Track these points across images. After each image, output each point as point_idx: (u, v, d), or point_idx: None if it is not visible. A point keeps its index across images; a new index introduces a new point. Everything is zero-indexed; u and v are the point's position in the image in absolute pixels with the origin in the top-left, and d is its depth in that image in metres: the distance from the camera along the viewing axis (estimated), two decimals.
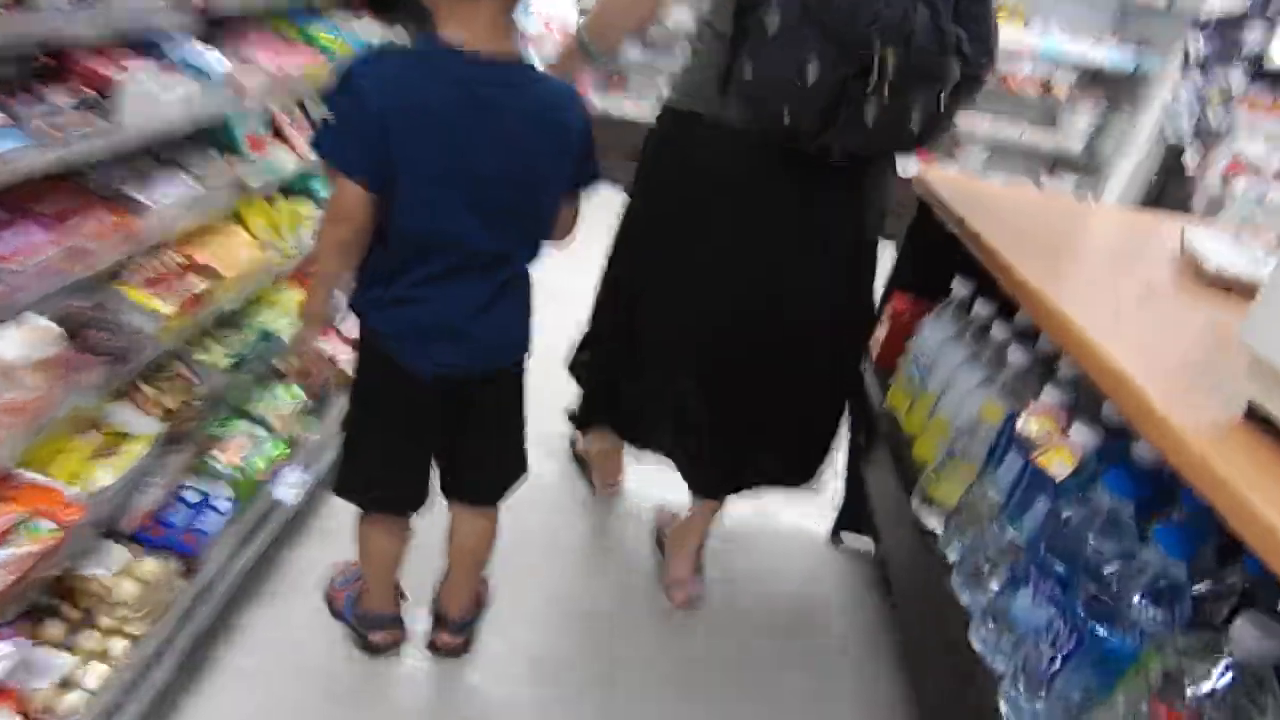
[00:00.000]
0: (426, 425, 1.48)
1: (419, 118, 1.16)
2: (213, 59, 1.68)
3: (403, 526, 1.62)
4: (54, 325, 1.30)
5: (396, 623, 1.75)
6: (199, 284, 1.67)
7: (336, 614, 1.78)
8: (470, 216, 1.25)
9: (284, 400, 1.97)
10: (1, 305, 1.24)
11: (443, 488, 1.61)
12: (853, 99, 1.33)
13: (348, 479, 1.56)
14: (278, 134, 2.17)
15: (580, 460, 2.47)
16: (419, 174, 1.19)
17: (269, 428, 1.90)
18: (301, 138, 2.21)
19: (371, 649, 1.73)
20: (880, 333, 1.99)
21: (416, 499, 1.57)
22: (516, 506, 1.68)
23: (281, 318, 2.03)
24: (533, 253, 1.40)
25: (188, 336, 1.70)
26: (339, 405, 2.21)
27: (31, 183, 1.41)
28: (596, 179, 1.39)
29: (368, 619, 1.72)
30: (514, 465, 1.63)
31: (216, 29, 1.94)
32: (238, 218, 1.97)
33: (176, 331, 1.62)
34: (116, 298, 1.53)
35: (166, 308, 1.57)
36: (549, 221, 1.38)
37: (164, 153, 1.70)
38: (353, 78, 1.17)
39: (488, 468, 1.60)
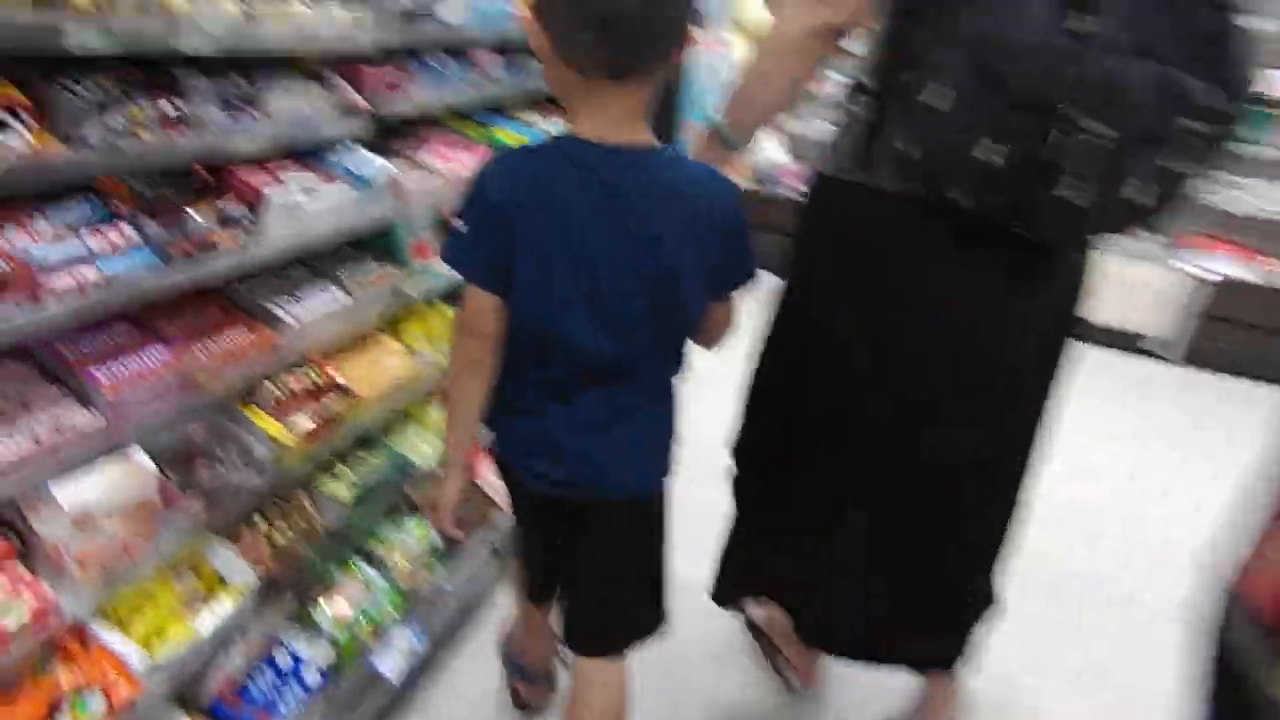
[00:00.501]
0: (542, 534, 1.39)
1: (537, 205, 1.04)
2: (375, 165, 1.55)
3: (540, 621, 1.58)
4: (149, 465, 1.15)
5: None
6: (334, 405, 1.51)
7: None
8: (588, 316, 1.08)
9: (413, 539, 1.77)
10: (103, 438, 1.12)
11: (563, 633, 1.37)
12: (1049, 177, 1.04)
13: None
14: None
15: (758, 633, 1.85)
16: (532, 265, 1.06)
17: (389, 574, 1.68)
18: None
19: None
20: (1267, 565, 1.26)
21: (538, 593, 1.52)
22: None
23: (425, 441, 1.84)
24: (669, 364, 1.20)
25: (314, 463, 1.54)
26: (480, 546, 1.98)
27: (176, 299, 1.32)
28: (751, 278, 1.19)
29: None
30: (637, 612, 1.35)
31: (392, 132, 1.87)
32: (394, 327, 1.84)
33: (300, 459, 1.46)
34: (239, 422, 1.39)
35: (292, 434, 1.41)
36: (688, 327, 1.18)
37: (319, 263, 1.60)
38: (478, 177, 1.08)
39: (602, 609, 1.34)
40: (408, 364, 1.75)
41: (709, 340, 1.23)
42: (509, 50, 2.10)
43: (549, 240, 1.04)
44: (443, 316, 1.93)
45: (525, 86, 2.17)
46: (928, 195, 1.15)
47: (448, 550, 1.90)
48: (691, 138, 1.42)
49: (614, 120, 1.03)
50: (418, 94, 1.73)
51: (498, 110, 2.33)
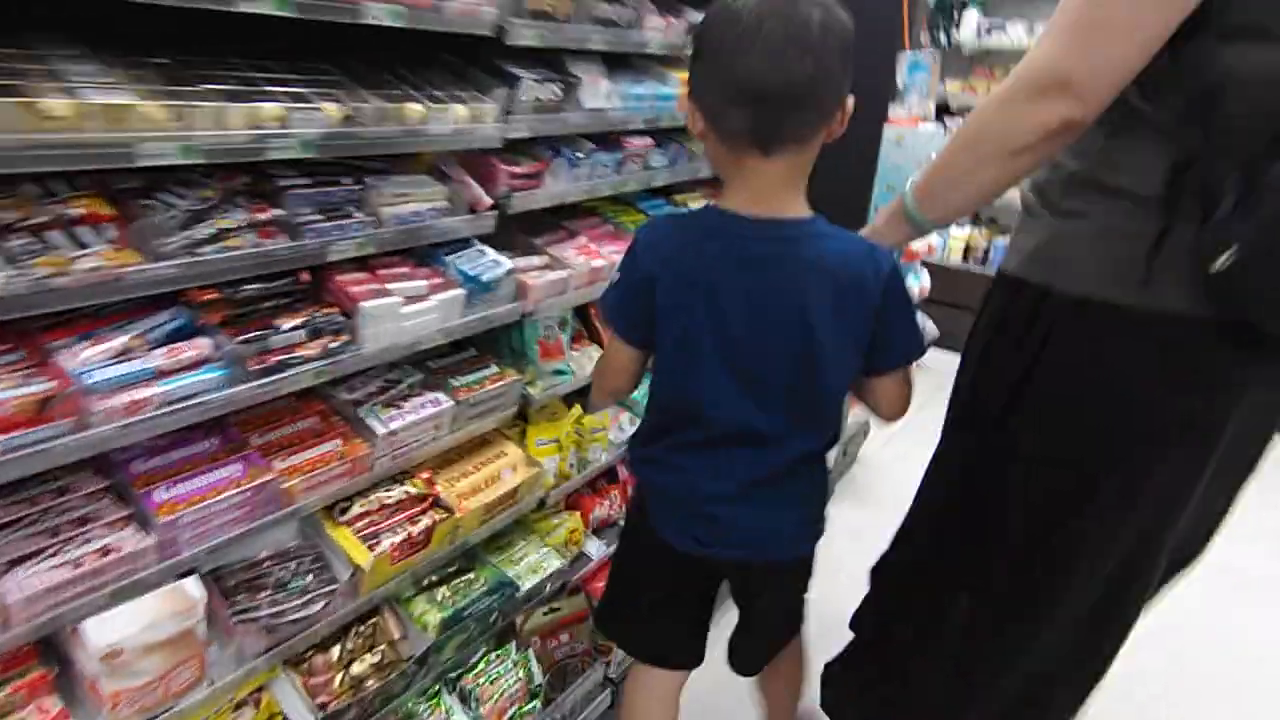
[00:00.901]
0: (678, 590, 1.38)
1: (677, 272, 1.09)
2: (494, 265, 1.44)
3: (666, 688, 1.44)
4: (196, 593, 1.06)
5: None
6: (427, 520, 1.38)
7: None
8: (731, 387, 1.11)
9: (508, 672, 1.58)
10: (154, 562, 1.05)
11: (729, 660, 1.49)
12: None
13: (603, 610, 1.49)
14: (590, 334, 1.91)
15: None
16: (672, 330, 1.12)
17: (478, 713, 1.50)
18: None
19: None
20: None
21: (675, 652, 1.43)
22: None
23: (538, 556, 1.66)
24: (818, 436, 1.19)
25: (405, 583, 1.41)
26: (581, 686, 1.75)
27: (276, 405, 1.27)
28: (916, 354, 1.15)
29: None
30: (789, 636, 1.48)
31: (538, 224, 1.77)
32: (520, 432, 1.71)
33: (382, 580, 1.34)
34: (318, 540, 1.30)
35: (373, 554, 1.29)
36: (831, 401, 1.17)
37: (428, 366, 1.50)
38: (637, 234, 1.16)
39: (766, 649, 1.48)
40: (526, 474, 1.60)
41: (885, 414, 1.20)
42: (664, 133, 1.95)
43: (689, 308, 1.08)
44: (575, 419, 1.76)
45: (685, 170, 2.00)
46: (1234, 318, 0.97)
47: (551, 686, 1.69)
48: (877, 210, 1.26)
49: (763, 192, 1.04)
50: (556, 186, 1.61)
51: (665, 194, 2.19)
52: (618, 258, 1.77)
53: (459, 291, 1.37)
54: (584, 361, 1.79)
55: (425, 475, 1.44)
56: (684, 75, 1.96)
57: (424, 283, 1.33)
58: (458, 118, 1.30)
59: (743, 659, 1.46)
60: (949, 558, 1.34)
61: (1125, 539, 1.14)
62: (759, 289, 1.05)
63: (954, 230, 4.38)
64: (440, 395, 1.42)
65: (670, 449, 1.20)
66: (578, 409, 1.77)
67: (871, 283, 1.05)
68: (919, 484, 1.45)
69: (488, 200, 1.42)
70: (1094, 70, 0.89)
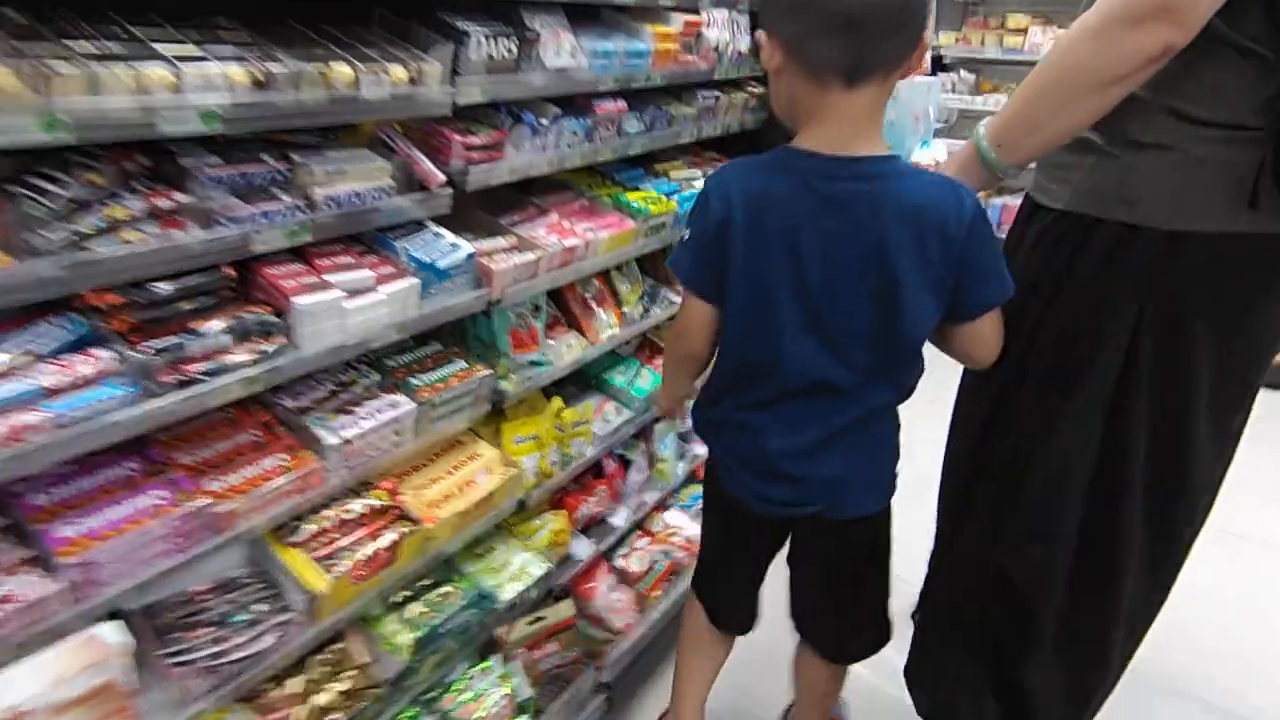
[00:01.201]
0: (746, 552, 1.42)
1: (754, 220, 1.05)
2: (453, 251, 1.28)
3: (713, 644, 1.53)
4: (115, 639, 0.92)
5: None
6: (392, 534, 1.25)
7: None
8: (806, 336, 1.08)
9: (492, 689, 1.45)
10: (62, 608, 0.92)
11: (798, 629, 1.47)
12: None
13: (698, 574, 1.54)
14: (568, 320, 1.76)
15: None
16: (747, 282, 1.08)
17: None
18: (606, 316, 1.78)
19: None
20: None
21: (730, 618, 1.50)
22: None
23: (520, 563, 1.53)
24: (895, 388, 1.16)
25: (371, 602, 1.28)
26: (583, 688, 1.63)
27: (211, 419, 1.13)
28: (1003, 297, 1.09)
29: None
30: (864, 631, 1.41)
31: (505, 201, 1.62)
32: (495, 430, 1.56)
33: (344, 603, 1.21)
34: (267, 566, 1.16)
35: (330, 577, 1.15)
36: (913, 348, 1.11)
37: (383, 364, 1.36)
38: (706, 186, 1.12)
39: (828, 626, 1.43)
40: (502, 477, 1.46)
41: (975, 358, 1.16)
42: (638, 94, 1.78)
43: (764, 253, 1.05)
44: (556, 413, 1.62)
45: (665, 136, 1.84)
46: None
47: (540, 698, 1.56)
48: (951, 159, 1.23)
49: (845, 129, 1.01)
50: (519, 158, 1.45)
51: (644, 163, 2.03)
52: (595, 235, 1.63)
53: (412, 281, 1.22)
54: (562, 350, 1.65)
55: (388, 485, 1.30)
56: (658, 28, 1.81)
57: (370, 273, 1.18)
58: (395, 80, 1.14)
59: (819, 634, 1.44)
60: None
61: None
62: (840, 231, 1.02)
63: None
64: (400, 397, 1.28)
65: (739, 408, 1.19)
66: (557, 401, 1.63)
67: (955, 224, 1.01)
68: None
69: (440, 176, 1.27)
70: None
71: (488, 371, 1.41)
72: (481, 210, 1.59)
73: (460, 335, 1.54)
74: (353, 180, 1.17)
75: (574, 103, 1.60)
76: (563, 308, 1.76)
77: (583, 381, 1.92)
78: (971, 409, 1.40)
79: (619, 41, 1.61)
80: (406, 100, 1.17)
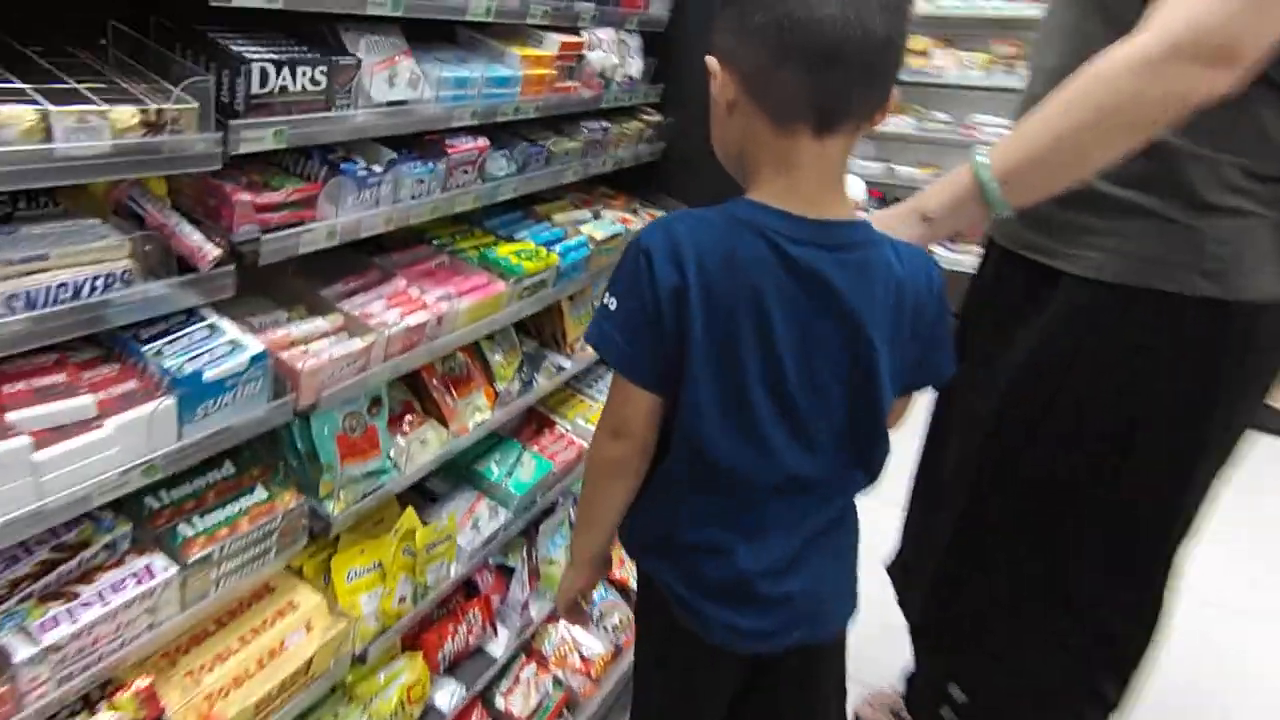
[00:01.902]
0: (716, 704, 1.11)
1: (717, 286, 0.85)
2: (225, 350, 0.94)
3: None
4: None
5: None
6: None
7: None
8: (777, 426, 0.90)
9: None
10: None
11: None
12: None
13: None
14: (424, 406, 1.42)
15: None
16: (715, 364, 0.88)
17: None
18: (474, 398, 1.45)
19: None
20: None
21: None
22: None
23: None
24: (869, 474, 0.99)
25: None
26: None
27: None
28: (948, 376, 1.00)
29: None
30: None
31: (332, 266, 1.27)
32: (322, 565, 1.22)
33: None
34: None
35: None
36: (881, 432, 0.96)
37: (160, 496, 0.99)
38: (639, 244, 0.87)
39: None
40: (325, 634, 1.11)
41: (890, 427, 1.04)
42: (505, 129, 1.48)
43: (731, 333, 0.87)
44: (404, 535, 1.28)
45: (544, 176, 1.53)
46: None
47: None
48: (941, 192, 1.06)
49: (813, 185, 0.86)
50: (342, 215, 1.11)
51: (521, 205, 1.71)
52: (451, 306, 1.31)
53: (162, 404, 0.87)
54: (414, 450, 1.31)
55: (141, 684, 0.93)
56: (527, 51, 1.50)
57: (90, 398, 0.82)
58: (119, 127, 0.79)
59: None
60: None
61: None
62: (814, 305, 0.86)
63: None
64: (157, 559, 0.92)
65: (698, 521, 0.97)
66: (408, 518, 1.29)
67: (929, 298, 0.92)
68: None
69: (212, 251, 0.92)
70: (1260, 35, 0.79)
71: (297, 501, 1.07)
72: (302, 279, 1.24)
73: (271, 443, 1.18)
74: (62, 267, 0.80)
75: (421, 142, 1.28)
76: (417, 391, 1.42)
77: (450, 471, 1.58)
78: (963, 473, 1.35)
79: (477, 67, 1.30)
80: (144, 152, 0.82)
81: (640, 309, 0.87)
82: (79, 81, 0.81)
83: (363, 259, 1.34)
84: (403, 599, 1.25)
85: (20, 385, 0.80)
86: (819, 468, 0.94)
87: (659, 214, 2.11)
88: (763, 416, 0.90)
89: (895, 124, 4.07)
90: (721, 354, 0.87)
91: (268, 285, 1.25)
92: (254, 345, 0.96)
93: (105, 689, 0.92)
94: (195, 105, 0.85)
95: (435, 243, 1.48)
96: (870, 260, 0.88)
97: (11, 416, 0.76)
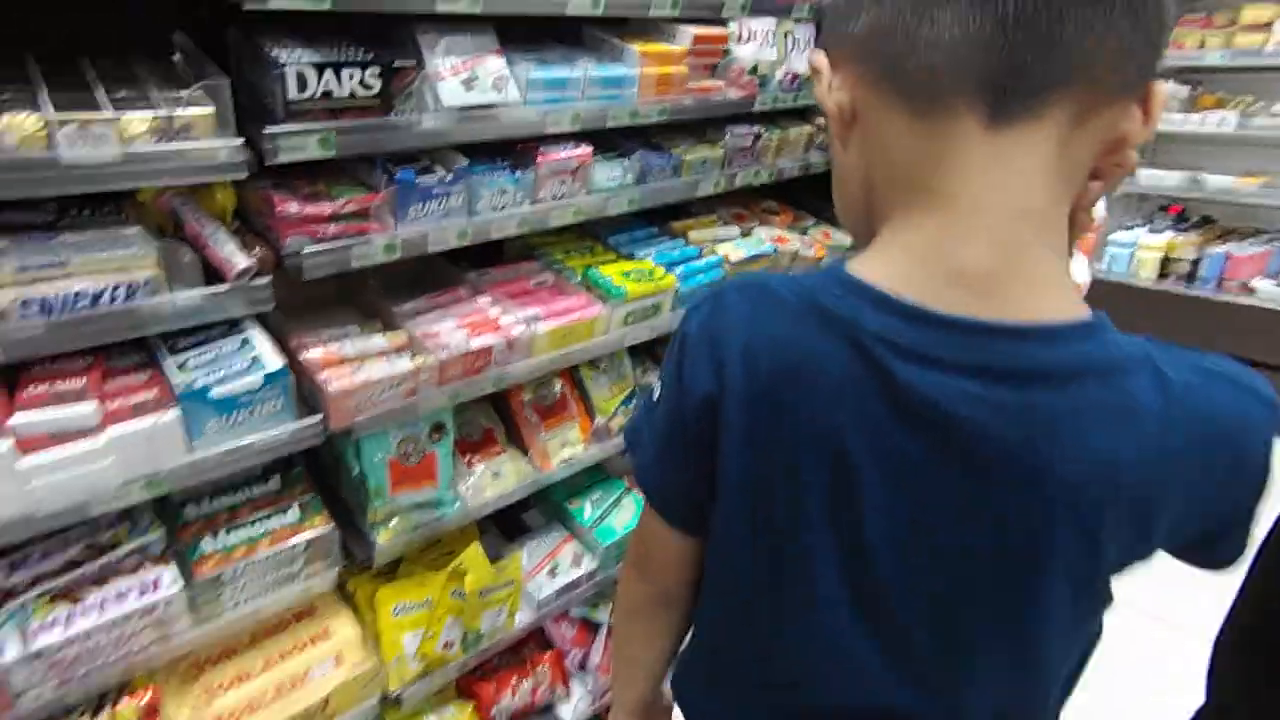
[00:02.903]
0: None
1: (770, 410, 0.53)
2: (245, 366, 0.90)
3: None
4: None
5: None
6: None
7: None
8: (860, 637, 0.55)
9: None
10: None
11: None
12: None
13: None
14: (509, 433, 1.32)
15: None
16: (750, 511, 0.57)
17: None
18: (565, 429, 1.33)
19: None
20: None
21: None
22: None
23: None
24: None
25: None
26: None
27: None
28: (1235, 559, 0.56)
29: None
30: None
31: (426, 277, 1.21)
32: (372, 590, 1.16)
33: None
34: None
35: None
36: (1057, 661, 0.56)
37: (202, 505, 0.99)
38: (684, 329, 0.58)
39: None
40: (353, 671, 1.05)
41: None
42: (618, 134, 1.32)
43: (789, 488, 0.54)
44: (451, 572, 1.18)
45: (673, 187, 1.36)
46: None
47: None
48: None
49: (973, 240, 0.47)
50: (406, 228, 1.04)
51: (657, 218, 1.55)
52: (527, 330, 1.17)
53: (165, 417, 0.84)
54: (483, 482, 1.21)
55: (145, 697, 0.93)
56: (649, 48, 1.33)
57: (91, 407, 0.82)
58: (128, 134, 0.77)
59: None
60: None
61: None
62: (943, 465, 0.49)
63: (1145, 236, 3.29)
64: (167, 572, 0.91)
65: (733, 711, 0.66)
66: (470, 555, 1.19)
67: (1227, 455, 0.49)
68: None
69: (238, 264, 0.88)
70: None
71: (326, 528, 1.01)
72: (381, 293, 1.20)
73: (332, 462, 1.15)
74: (84, 276, 0.81)
75: (513, 150, 1.18)
76: (505, 417, 1.33)
77: (547, 506, 1.47)
78: None
79: (583, 66, 1.17)
80: (156, 161, 0.79)
81: (672, 413, 0.59)
82: (110, 91, 0.81)
83: (455, 271, 1.27)
84: (449, 644, 1.16)
85: (43, 388, 0.82)
86: (921, 702, 0.57)
87: (835, 234, 1.82)
88: (834, 619, 0.56)
89: (1213, 122, 3.21)
90: (769, 512, 0.56)
91: (356, 297, 1.23)
92: (273, 362, 0.91)
93: (119, 693, 0.93)
94: (210, 110, 0.81)
95: (546, 257, 1.37)
96: (1091, 400, 0.47)
97: (15, 419, 0.78)
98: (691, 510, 0.62)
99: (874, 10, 0.48)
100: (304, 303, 1.14)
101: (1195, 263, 3.24)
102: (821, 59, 0.54)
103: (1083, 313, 0.48)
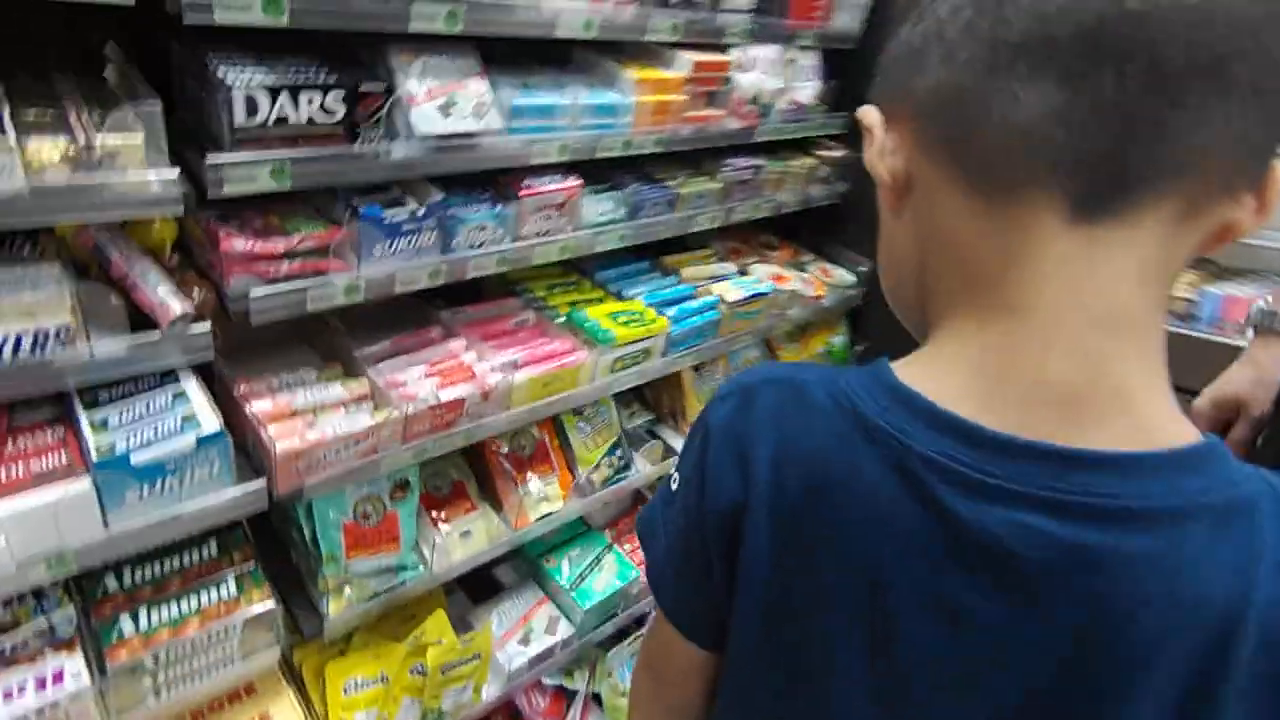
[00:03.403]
0: None
1: (803, 515, 0.46)
2: (178, 426, 0.78)
3: None
4: None
5: None
6: None
7: None
8: None
9: None
10: None
11: None
12: None
13: None
14: (481, 486, 1.21)
15: None
16: (770, 637, 0.50)
17: None
18: (543, 483, 1.22)
19: None
20: None
21: None
22: None
23: None
24: None
25: None
26: None
27: None
28: None
29: None
30: None
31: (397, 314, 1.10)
32: (320, 661, 1.05)
33: None
34: None
35: None
36: None
37: (120, 579, 0.87)
38: (705, 425, 0.51)
39: None
40: None
41: None
42: (614, 165, 1.22)
43: (820, 605, 0.46)
44: (411, 645, 1.07)
45: (668, 221, 1.26)
46: None
47: None
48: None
49: (1051, 351, 0.39)
50: (370, 268, 0.94)
51: (647, 252, 1.46)
52: (500, 379, 1.05)
53: (73, 488, 0.73)
54: (454, 543, 1.10)
55: None
56: (646, 74, 1.23)
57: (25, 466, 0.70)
58: (36, 164, 0.66)
59: None
60: None
61: None
62: (1013, 622, 0.41)
63: None
64: (70, 663, 0.79)
65: None
66: (434, 623, 1.07)
67: None
68: None
69: (173, 308, 0.77)
70: None
71: (265, 605, 0.89)
72: (344, 334, 1.09)
73: (284, 517, 1.04)
74: (17, 321, 0.70)
75: (494, 182, 1.08)
76: (477, 469, 1.21)
77: (521, 561, 1.36)
78: None
79: (573, 93, 1.07)
80: (72, 194, 0.68)
81: (690, 513, 0.52)
82: (19, 112, 0.70)
83: (428, 311, 1.17)
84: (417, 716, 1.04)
85: None
86: None
87: (833, 270, 1.73)
88: None
89: None
90: (793, 637, 0.49)
91: (316, 336, 1.12)
92: (209, 422, 0.80)
93: None
94: (138, 138, 0.70)
95: (525, 295, 1.27)
96: (1198, 546, 0.37)
97: None
98: (711, 626, 0.54)
99: (942, 69, 0.39)
100: (256, 341, 1.03)
101: (1192, 302, 3.19)
102: (874, 116, 0.46)
103: (1188, 437, 0.38)
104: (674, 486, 0.54)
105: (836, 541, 0.45)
